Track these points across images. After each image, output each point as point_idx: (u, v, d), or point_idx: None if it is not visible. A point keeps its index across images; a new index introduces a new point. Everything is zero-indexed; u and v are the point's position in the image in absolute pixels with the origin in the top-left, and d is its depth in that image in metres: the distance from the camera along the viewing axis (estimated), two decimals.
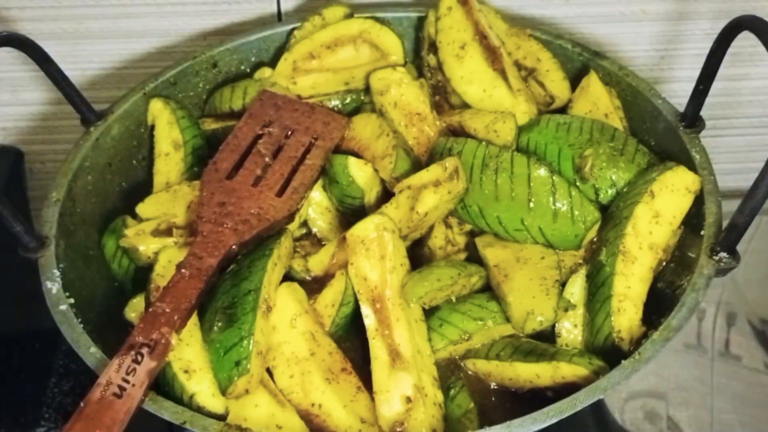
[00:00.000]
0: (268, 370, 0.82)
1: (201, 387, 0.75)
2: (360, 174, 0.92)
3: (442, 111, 1.03)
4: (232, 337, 0.78)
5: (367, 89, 1.03)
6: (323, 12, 1.08)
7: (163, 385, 0.76)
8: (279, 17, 1.16)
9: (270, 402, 0.78)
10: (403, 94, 1.00)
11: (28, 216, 1.21)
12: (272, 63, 1.08)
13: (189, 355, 0.77)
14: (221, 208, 0.87)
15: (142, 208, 0.93)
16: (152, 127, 1.02)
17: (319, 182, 0.95)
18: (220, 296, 0.81)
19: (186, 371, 0.76)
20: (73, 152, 0.92)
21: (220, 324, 0.79)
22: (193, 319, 0.80)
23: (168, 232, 0.90)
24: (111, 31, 1.15)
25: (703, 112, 1.34)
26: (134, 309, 0.87)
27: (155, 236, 0.89)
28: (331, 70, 1.05)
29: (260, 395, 0.78)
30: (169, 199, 0.93)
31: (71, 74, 1.17)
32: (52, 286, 0.80)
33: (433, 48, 1.05)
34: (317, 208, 0.96)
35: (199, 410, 0.73)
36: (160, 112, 1.01)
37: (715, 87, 1.30)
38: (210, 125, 1.03)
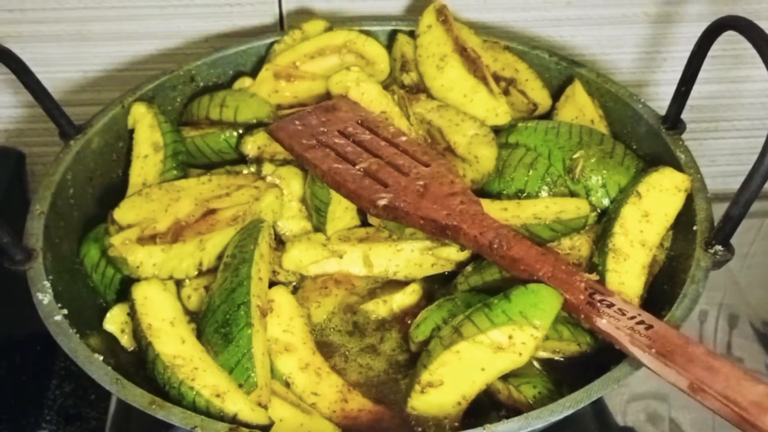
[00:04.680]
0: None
1: (238, 405, 0.74)
2: None
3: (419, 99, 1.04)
4: (232, 356, 0.78)
5: None
6: (303, 26, 1.09)
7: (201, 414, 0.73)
8: (281, 19, 1.16)
9: (295, 413, 0.78)
10: (363, 92, 1.00)
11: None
12: (252, 76, 1.08)
13: (211, 379, 0.76)
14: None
15: (119, 213, 0.92)
16: (131, 131, 1.01)
17: (301, 178, 0.96)
18: (213, 314, 0.81)
19: (218, 395, 0.75)
20: (55, 165, 0.92)
21: (218, 345, 0.79)
22: (197, 344, 0.80)
23: (152, 239, 0.89)
24: (113, 33, 1.15)
25: (705, 114, 1.35)
26: (113, 321, 0.86)
27: (141, 244, 0.88)
28: (314, 79, 1.05)
29: (282, 409, 0.78)
30: (144, 202, 0.93)
31: (73, 76, 1.18)
32: (44, 297, 0.79)
33: (406, 67, 1.06)
34: (288, 212, 0.96)
35: (248, 426, 0.72)
36: (142, 116, 1.00)
37: (718, 89, 1.31)
38: (188, 133, 1.03)
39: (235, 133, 1.01)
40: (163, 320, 0.81)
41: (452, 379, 0.78)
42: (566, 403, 0.71)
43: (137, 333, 0.81)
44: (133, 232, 0.89)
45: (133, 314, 0.83)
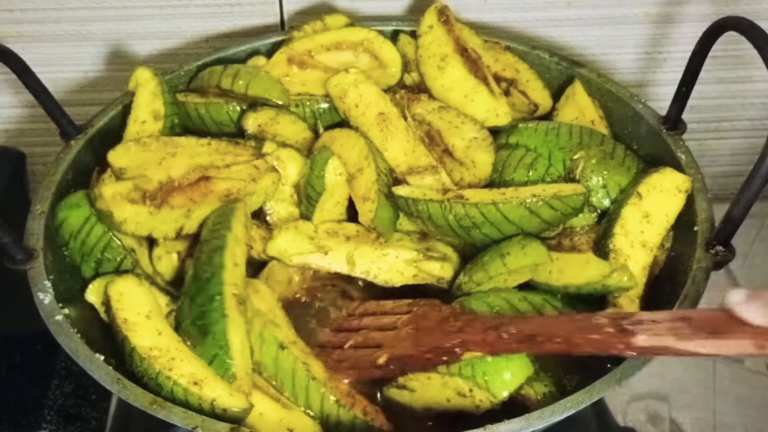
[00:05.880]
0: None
1: (216, 391, 0.74)
2: (332, 175, 0.92)
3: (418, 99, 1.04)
4: (209, 349, 0.77)
5: None
6: (326, 18, 1.08)
7: (180, 404, 0.73)
8: (282, 19, 1.16)
9: (275, 408, 0.78)
10: (362, 94, 1.00)
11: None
12: None
13: (188, 368, 0.75)
14: None
15: (113, 156, 0.91)
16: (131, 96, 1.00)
17: (299, 164, 0.96)
18: (189, 306, 0.80)
19: (195, 383, 0.74)
20: (55, 165, 0.92)
21: (195, 337, 0.78)
22: (174, 336, 0.79)
23: (142, 197, 0.88)
24: (113, 33, 1.15)
25: (706, 115, 1.35)
26: (95, 292, 0.85)
27: (131, 202, 0.87)
28: (326, 71, 1.04)
29: (262, 403, 0.78)
30: (140, 150, 0.92)
31: (73, 76, 1.18)
32: (45, 297, 0.79)
33: (407, 67, 1.06)
34: (279, 194, 0.96)
35: (225, 412, 0.73)
36: (146, 81, 0.99)
37: (717, 89, 1.31)
38: (194, 99, 1.02)
39: (238, 108, 1.01)
40: (138, 314, 0.80)
41: (423, 392, 0.80)
42: (567, 403, 0.71)
43: (113, 329, 0.80)
44: (124, 186, 0.88)
45: (108, 311, 0.82)
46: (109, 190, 0.88)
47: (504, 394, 0.77)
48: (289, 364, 0.80)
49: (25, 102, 1.20)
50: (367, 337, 0.85)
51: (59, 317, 0.77)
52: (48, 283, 0.80)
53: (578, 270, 0.81)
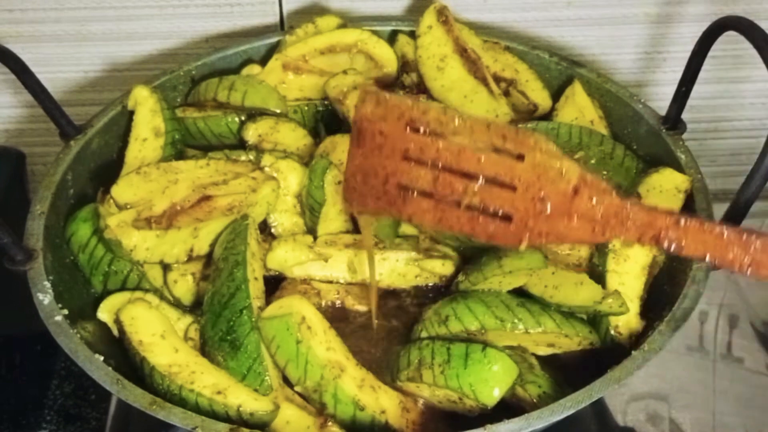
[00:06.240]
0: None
1: (241, 398, 0.75)
2: (331, 185, 0.92)
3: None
4: (242, 363, 0.78)
5: None
6: (317, 21, 1.09)
7: (207, 415, 0.72)
8: (281, 19, 1.16)
9: (301, 415, 0.78)
10: None
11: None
12: None
13: (210, 379, 0.76)
14: None
15: (117, 191, 0.92)
16: (131, 113, 1.01)
17: (299, 174, 0.95)
18: (215, 322, 0.80)
19: (219, 392, 0.75)
20: (55, 165, 0.92)
21: (226, 352, 0.79)
22: (191, 351, 0.80)
23: (147, 222, 0.89)
24: (113, 33, 1.15)
25: (705, 115, 1.35)
26: (107, 309, 0.85)
27: (137, 227, 0.89)
28: (322, 75, 1.05)
29: (288, 410, 0.78)
30: (142, 182, 0.93)
31: (73, 76, 1.18)
32: (44, 297, 0.79)
33: (406, 67, 1.06)
34: (282, 205, 0.96)
35: (252, 416, 0.73)
36: (144, 99, 1.00)
37: (718, 89, 1.31)
38: (191, 114, 1.03)
39: (237, 119, 1.01)
40: (153, 335, 0.81)
41: (417, 393, 0.81)
42: (567, 403, 0.71)
43: (130, 351, 0.80)
44: (129, 214, 0.90)
45: (123, 334, 0.82)
46: (114, 219, 0.89)
47: (493, 401, 0.76)
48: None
49: (25, 102, 1.20)
50: (484, 196, 0.71)
51: (59, 317, 0.77)
52: (47, 284, 0.80)
53: (572, 291, 0.81)
